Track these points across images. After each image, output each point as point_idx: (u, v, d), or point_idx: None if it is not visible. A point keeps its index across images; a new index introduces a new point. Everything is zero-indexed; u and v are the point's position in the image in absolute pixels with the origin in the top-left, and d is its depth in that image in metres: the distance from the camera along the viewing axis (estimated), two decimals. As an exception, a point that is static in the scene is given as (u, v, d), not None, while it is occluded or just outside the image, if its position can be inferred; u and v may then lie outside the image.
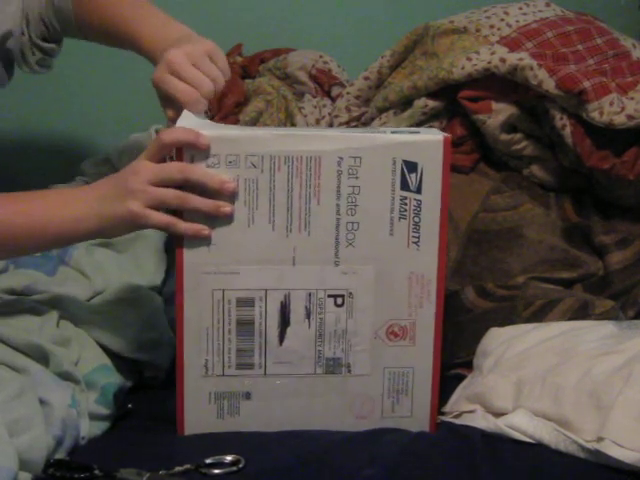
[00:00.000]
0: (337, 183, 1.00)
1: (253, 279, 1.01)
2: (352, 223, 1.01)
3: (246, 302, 1.02)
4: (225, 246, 1.00)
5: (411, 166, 1.00)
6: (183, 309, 1.01)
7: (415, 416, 1.06)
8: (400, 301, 1.03)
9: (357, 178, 1.00)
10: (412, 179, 1.00)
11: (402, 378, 1.05)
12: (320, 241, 1.01)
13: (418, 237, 1.01)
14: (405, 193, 1.00)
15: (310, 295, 1.02)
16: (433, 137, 1.01)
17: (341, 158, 0.99)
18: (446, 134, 1.01)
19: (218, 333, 1.02)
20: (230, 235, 1.00)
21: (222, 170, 0.98)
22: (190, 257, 1.00)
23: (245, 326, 1.02)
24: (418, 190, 1.00)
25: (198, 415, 1.04)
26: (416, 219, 1.01)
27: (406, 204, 1.01)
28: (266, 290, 1.02)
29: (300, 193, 0.99)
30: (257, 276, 1.01)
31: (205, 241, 0.99)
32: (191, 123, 1.01)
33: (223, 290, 1.01)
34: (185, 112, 1.04)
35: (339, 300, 1.02)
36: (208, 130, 0.99)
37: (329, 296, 1.02)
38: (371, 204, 1.00)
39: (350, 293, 1.02)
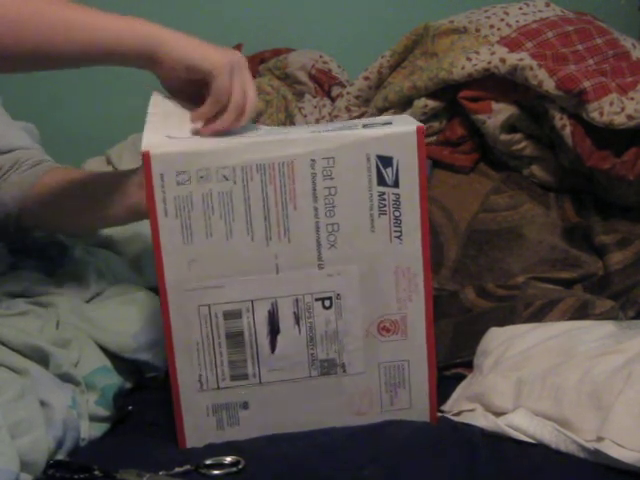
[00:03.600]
0: (312, 186, 0.98)
1: (238, 291, 1.00)
2: (332, 224, 0.99)
3: (233, 314, 1.00)
4: (205, 261, 0.98)
5: (386, 160, 0.98)
6: (171, 327, 1.00)
7: (415, 407, 1.05)
8: (388, 296, 1.02)
9: (332, 179, 0.98)
10: (388, 173, 0.99)
11: (398, 371, 1.04)
12: (301, 246, 0.99)
13: (400, 231, 1.00)
14: (382, 188, 0.99)
15: (297, 301, 1.01)
16: (405, 129, 0.99)
17: (314, 160, 0.97)
18: (419, 123, 1.00)
19: (209, 348, 1.01)
20: (209, 250, 0.98)
21: (193, 186, 0.96)
22: (171, 275, 0.98)
23: (235, 338, 1.01)
24: (395, 184, 0.99)
25: (198, 429, 1.03)
26: (396, 213, 1.00)
27: (385, 199, 0.99)
28: (252, 301, 1.00)
29: (276, 200, 0.98)
30: (241, 288, 1.00)
31: (184, 258, 0.98)
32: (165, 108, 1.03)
33: (209, 305, 1.00)
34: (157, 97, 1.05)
35: (327, 302, 1.01)
36: (175, 147, 0.97)
37: (316, 300, 1.01)
38: (349, 203, 0.99)
39: (337, 294, 1.01)
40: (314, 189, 0.98)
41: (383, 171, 0.99)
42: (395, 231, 1.00)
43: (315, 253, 1.00)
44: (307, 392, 1.04)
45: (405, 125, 1.00)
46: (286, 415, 1.04)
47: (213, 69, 1.01)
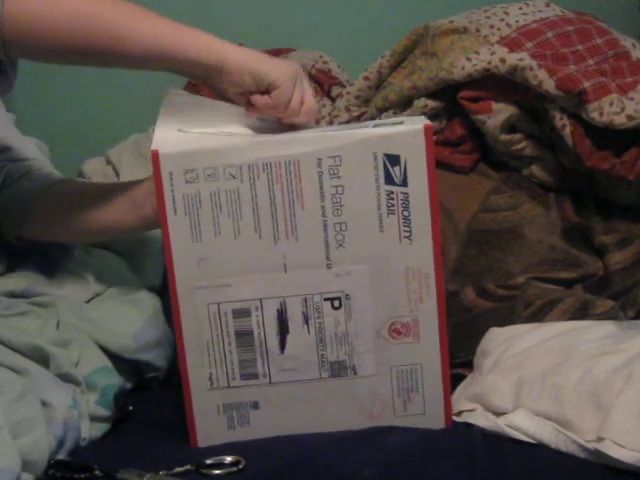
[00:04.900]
0: (319, 185, 0.98)
1: (246, 290, 1.00)
2: (340, 224, 0.99)
3: (242, 313, 1.00)
4: (214, 259, 0.99)
5: (393, 159, 0.97)
6: (181, 325, 1.00)
7: (429, 413, 1.04)
8: (399, 298, 1.01)
9: (339, 177, 0.98)
10: (396, 172, 0.98)
11: (410, 375, 1.03)
12: (309, 245, 0.99)
13: (410, 231, 0.99)
14: (391, 187, 0.98)
15: (306, 300, 1.01)
16: (412, 127, 0.98)
17: (320, 159, 0.97)
18: (427, 122, 0.98)
19: (218, 346, 1.01)
20: (218, 248, 0.98)
21: (202, 184, 0.97)
22: (181, 273, 0.99)
23: (244, 337, 1.01)
24: (404, 183, 0.98)
25: (209, 427, 1.03)
26: (405, 213, 0.99)
27: (393, 199, 0.98)
28: (261, 299, 1.00)
29: (283, 199, 0.98)
30: (250, 286, 1.00)
31: (193, 256, 0.98)
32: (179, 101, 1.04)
33: (218, 303, 1.00)
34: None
35: (336, 303, 1.01)
36: (184, 145, 0.98)
37: (325, 300, 1.01)
38: (357, 202, 0.98)
39: (346, 295, 1.01)
40: (321, 188, 0.98)
41: (391, 170, 0.98)
42: (404, 231, 0.99)
43: (323, 252, 1.00)
44: (318, 394, 1.03)
45: (414, 124, 0.99)
46: (297, 416, 1.03)
47: (278, 78, 1.02)
